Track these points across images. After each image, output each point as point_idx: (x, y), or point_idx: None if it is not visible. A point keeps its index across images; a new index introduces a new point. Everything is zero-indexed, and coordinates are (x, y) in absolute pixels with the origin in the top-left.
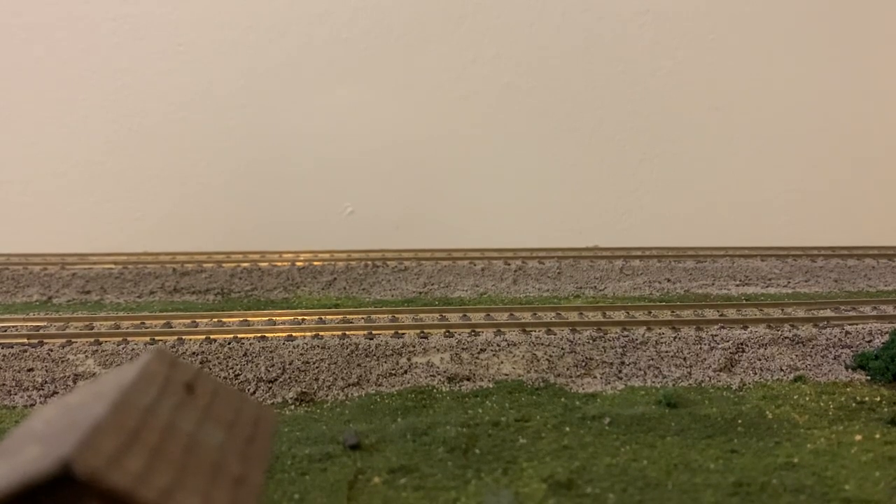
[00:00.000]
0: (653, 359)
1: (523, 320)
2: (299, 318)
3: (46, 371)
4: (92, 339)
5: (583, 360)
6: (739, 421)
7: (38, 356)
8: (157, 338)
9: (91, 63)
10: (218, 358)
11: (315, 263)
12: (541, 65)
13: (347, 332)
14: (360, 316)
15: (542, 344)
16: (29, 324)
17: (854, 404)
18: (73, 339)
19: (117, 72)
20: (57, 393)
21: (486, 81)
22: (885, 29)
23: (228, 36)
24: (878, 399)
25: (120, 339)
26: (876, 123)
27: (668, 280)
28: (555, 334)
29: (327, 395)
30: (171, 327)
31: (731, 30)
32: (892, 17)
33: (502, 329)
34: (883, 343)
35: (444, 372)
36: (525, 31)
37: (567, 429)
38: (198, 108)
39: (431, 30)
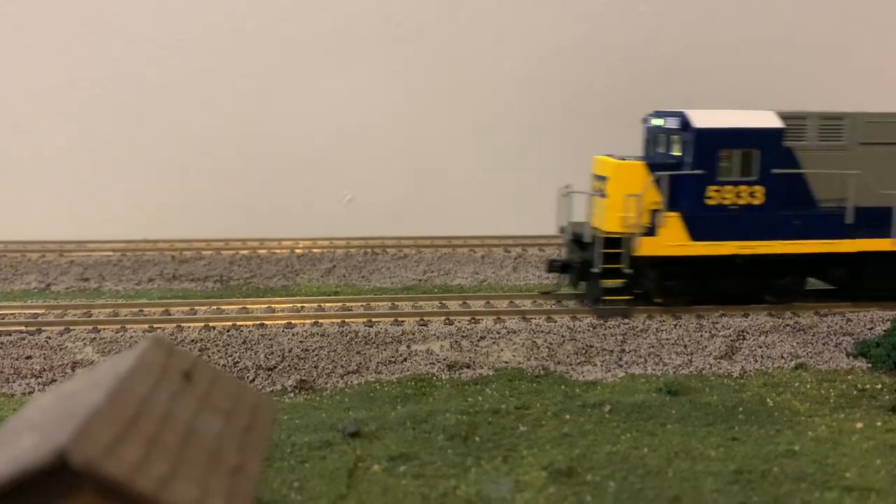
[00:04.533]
0: (653, 346)
1: (523, 308)
2: (298, 305)
3: (45, 359)
4: (90, 327)
5: (583, 348)
6: (740, 409)
7: (37, 344)
8: (155, 325)
9: (89, 52)
10: (217, 345)
11: (314, 251)
12: (541, 52)
13: (347, 320)
14: (360, 303)
15: (543, 331)
16: (27, 311)
17: (855, 392)
18: (72, 327)
19: (115, 60)
20: (55, 381)
21: (486, 69)
22: None
23: (227, 24)
24: (880, 387)
25: (118, 326)
26: None
27: None
28: (555, 322)
29: (327, 383)
30: (170, 315)
31: None
32: None
33: (502, 317)
34: (884, 331)
35: (444, 359)
36: (525, 19)
37: (567, 416)
38: (196, 97)
39: (431, 17)
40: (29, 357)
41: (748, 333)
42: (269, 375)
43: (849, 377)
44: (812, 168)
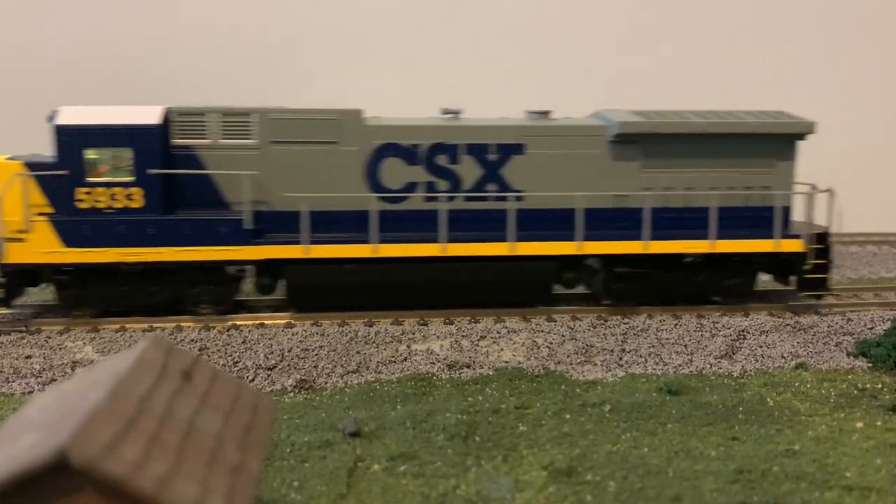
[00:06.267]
0: (654, 346)
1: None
2: None
3: (44, 358)
4: (90, 326)
5: (583, 348)
6: (740, 408)
7: (36, 343)
8: (155, 325)
9: (90, 49)
10: (216, 345)
11: None
12: None
13: (347, 320)
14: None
15: (543, 331)
16: (26, 310)
17: (855, 391)
18: (71, 326)
19: (115, 59)
20: (55, 380)
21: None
22: None
23: (226, 21)
24: (880, 386)
25: (118, 326)
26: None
27: None
28: (555, 321)
29: (327, 383)
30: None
31: None
32: None
33: (502, 316)
34: (884, 330)
35: (444, 359)
36: None
37: (567, 416)
38: (195, 91)
39: (428, 14)
40: (28, 356)
41: (748, 333)
42: (269, 375)
43: (849, 377)
44: (218, 168)
